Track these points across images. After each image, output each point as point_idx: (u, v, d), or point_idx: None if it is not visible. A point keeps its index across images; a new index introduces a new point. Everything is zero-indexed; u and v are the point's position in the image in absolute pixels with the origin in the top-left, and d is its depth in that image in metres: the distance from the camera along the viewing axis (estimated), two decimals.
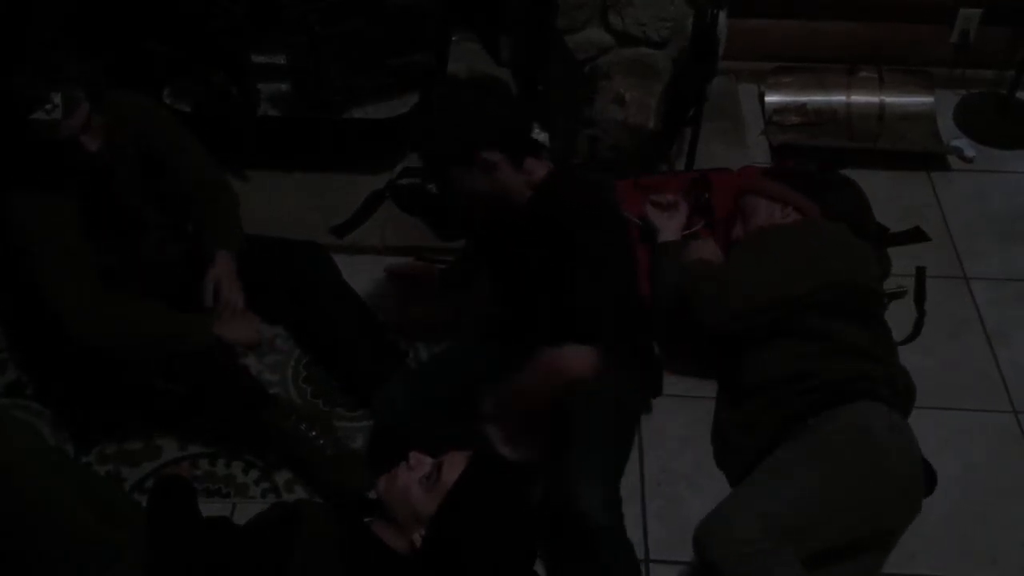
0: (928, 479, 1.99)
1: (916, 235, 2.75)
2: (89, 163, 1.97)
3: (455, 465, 1.72)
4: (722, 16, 2.58)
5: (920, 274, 2.62)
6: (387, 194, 2.66)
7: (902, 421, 2.00)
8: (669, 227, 2.44)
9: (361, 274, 2.53)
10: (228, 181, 2.38)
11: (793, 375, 2.06)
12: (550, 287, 1.93)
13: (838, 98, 3.14)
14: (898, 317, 2.53)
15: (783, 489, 1.84)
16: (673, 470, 2.20)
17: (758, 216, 2.39)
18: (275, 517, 1.82)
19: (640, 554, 2.05)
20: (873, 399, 1.99)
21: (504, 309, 2.18)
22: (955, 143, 3.06)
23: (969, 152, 3.04)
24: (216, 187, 2.31)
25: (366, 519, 1.79)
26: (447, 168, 1.91)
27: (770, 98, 3.16)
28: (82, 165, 1.96)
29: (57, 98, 1.86)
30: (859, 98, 3.14)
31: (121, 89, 2.14)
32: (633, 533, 1.98)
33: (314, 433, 2.16)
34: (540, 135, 2.67)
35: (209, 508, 2.04)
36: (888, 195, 2.86)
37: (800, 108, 3.12)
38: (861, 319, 2.12)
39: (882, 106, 3.12)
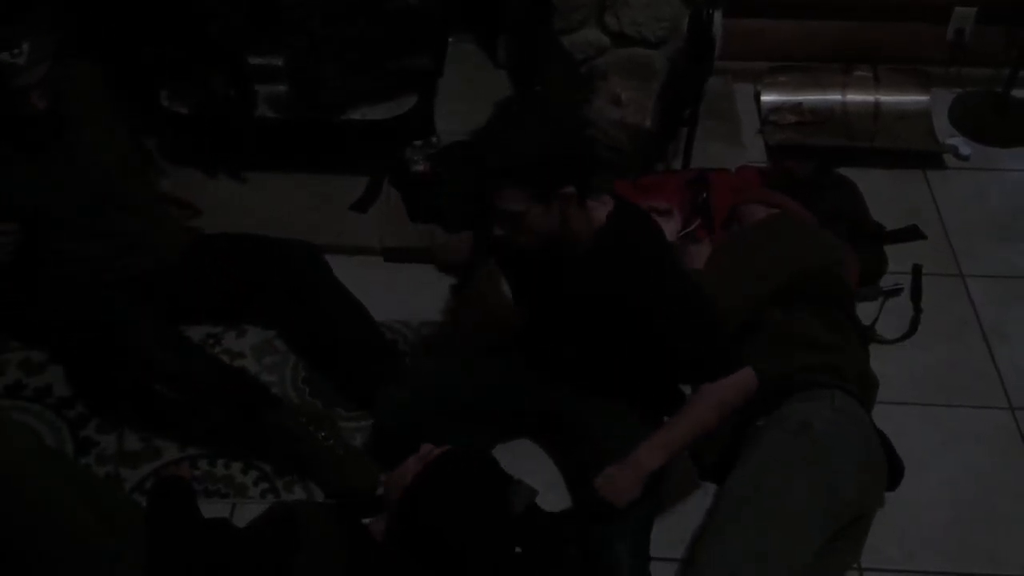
0: (894, 471, 1.99)
1: (912, 233, 2.76)
2: (33, 120, 1.99)
3: None
4: (718, 16, 2.59)
5: (917, 272, 2.63)
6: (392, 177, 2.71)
7: (847, 400, 1.96)
8: (664, 230, 2.45)
9: (358, 275, 2.53)
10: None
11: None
12: (594, 332, 1.93)
13: (834, 97, 3.15)
14: (895, 315, 2.54)
15: (742, 541, 1.80)
16: (671, 468, 2.19)
17: (756, 219, 2.40)
18: (274, 518, 1.83)
19: None
20: (815, 387, 1.97)
21: (531, 330, 2.16)
22: (951, 141, 3.07)
23: (965, 150, 3.05)
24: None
25: (369, 519, 1.79)
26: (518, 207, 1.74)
27: (766, 97, 3.16)
28: (26, 121, 1.99)
29: (26, 46, 1.90)
30: (855, 97, 3.15)
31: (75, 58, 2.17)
32: None
33: (323, 434, 2.16)
34: None
35: (208, 509, 2.04)
36: (885, 194, 2.86)
37: (796, 107, 3.13)
38: (820, 306, 2.12)
39: (878, 105, 3.13)
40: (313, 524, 1.74)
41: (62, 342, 2.40)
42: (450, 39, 3.06)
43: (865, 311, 2.48)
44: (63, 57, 2.07)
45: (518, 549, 1.98)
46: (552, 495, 2.12)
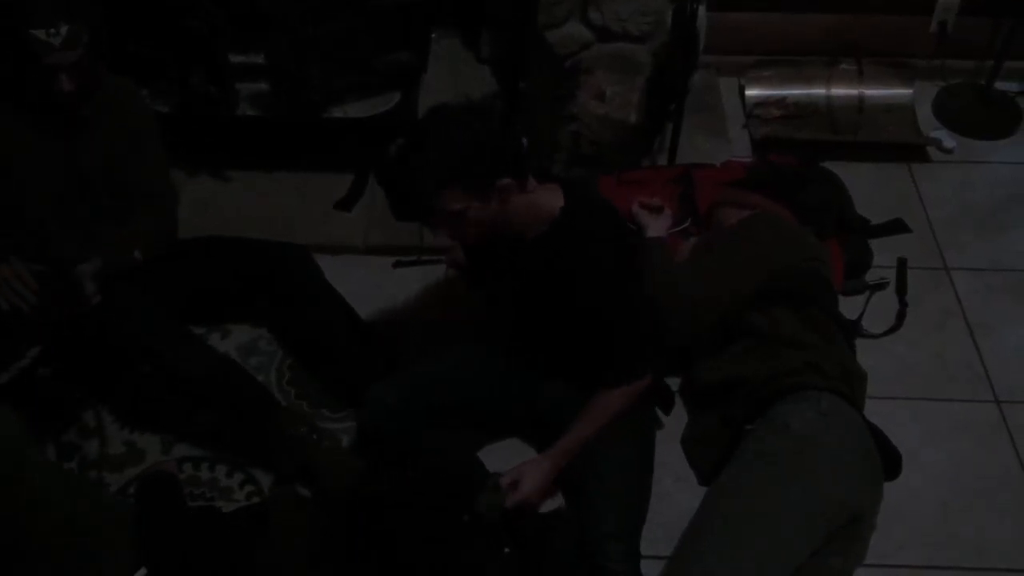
0: (891, 461, 1.99)
1: (897, 227, 2.77)
2: (55, 99, 2.02)
3: None
4: (701, 10, 2.58)
5: (901, 265, 2.63)
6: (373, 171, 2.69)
7: (835, 401, 1.95)
8: (656, 227, 2.45)
9: (343, 275, 2.51)
10: (172, 200, 2.39)
11: (729, 383, 2.06)
12: (555, 325, 1.98)
13: (818, 91, 3.15)
14: (881, 309, 2.54)
15: (717, 541, 1.79)
16: (660, 464, 2.18)
17: (731, 223, 2.40)
18: (251, 508, 1.84)
19: None
20: (802, 389, 1.96)
21: (501, 329, 2.18)
22: (935, 134, 3.08)
23: (948, 143, 3.05)
24: (153, 206, 2.31)
25: None
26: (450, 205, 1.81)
27: (751, 92, 3.16)
28: (49, 98, 2.02)
29: (64, 29, 1.96)
30: (839, 91, 3.15)
31: (124, 76, 2.22)
32: None
33: (315, 436, 2.15)
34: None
35: None
36: (870, 187, 2.87)
37: (780, 101, 3.13)
38: (800, 305, 2.12)
39: (862, 98, 3.14)
40: (286, 514, 1.75)
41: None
42: (433, 35, 3.05)
43: (851, 305, 2.48)
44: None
45: (506, 549, 2.00)
46: None
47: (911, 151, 3.03)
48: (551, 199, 1.92)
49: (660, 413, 2.23)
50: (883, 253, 2.67)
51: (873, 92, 3.14)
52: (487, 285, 2.14)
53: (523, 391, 2.14)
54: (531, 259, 1.94)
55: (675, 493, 2.15)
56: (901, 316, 2.54)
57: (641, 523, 1.99)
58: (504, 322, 2.16)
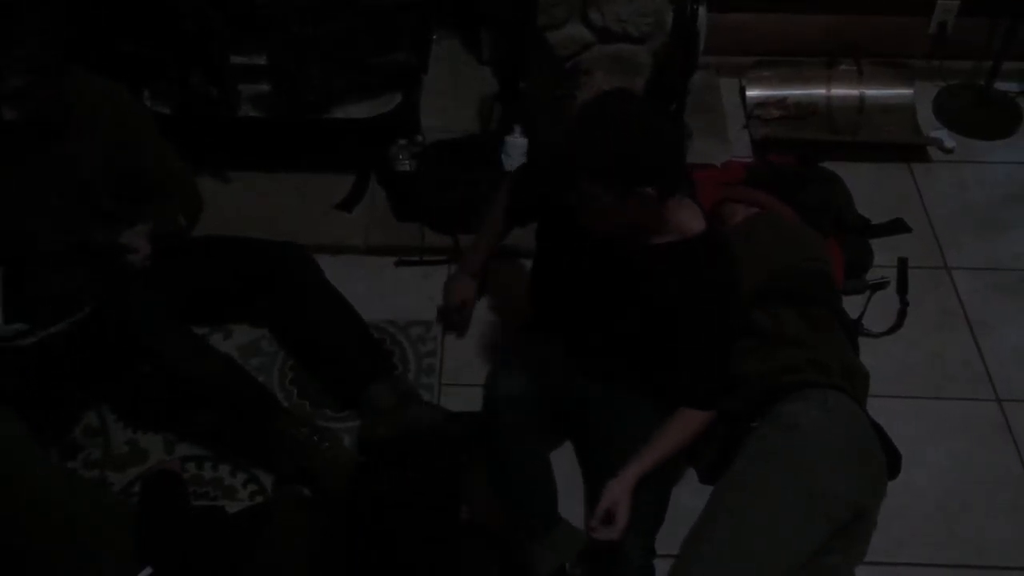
0: (891, 460, 1.99)
1: (897, 226, 2.77)
2: (8, 129, 2.00)
3: None
4: (702, 11, 2.59)
5: (902, 265, 2.64)
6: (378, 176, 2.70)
7: (840, 399, 1.96)
8: None
9: (343, 275, 2.52)
10: (187, 176, 2.39)
11: (731, 381, 2.07)
12: (647, 329, 1.97)
13: (818, 91, 3.15)
14: (882, 308, 2.55)
15: (720, 540, 1.81)
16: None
17: (736, 220, 2.40)
18: (253, 508, 1.84)
19: None
20: (805, 387, 1.97)
21: (555, 316, 2.15)
22: (935, 134, 3.08)
23: (948, 143, 3.06)
24: (174, 188, 2.32)
25: None
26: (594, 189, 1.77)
27: (751, 92, 3.16)
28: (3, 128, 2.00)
29: None
30: (839, 91, 3.15)
31: (98, 75, 2.18)
32: None
33: (316, 437, 2.14)
34: (521, 137, 2.68)
35: None
36: (870, 187, 2.87)
37: (781, 102, 3.13)
38: (802, 304, 2.12)
39: (862, 99, 3.14)
40: (288, 514, 1.76)
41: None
42: (434, 36, 3.06)
43: (852, 305, 2.48)
44: (76, 68, 2.11)
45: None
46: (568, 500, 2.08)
47: (911, 151, 3.04)
48: (690, 219, 1.90)
49: None
50: (884, 253, 2.67)
51: (873, 92, 3.14)
52: (567, 273, 2.06)
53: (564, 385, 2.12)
54: (654, 261, 1.90)
55: (676, 493, 2.15)
56: (902, 315, 2.55)
57: (659, 523, 1.99)
58: (566, 314, 2.11)
